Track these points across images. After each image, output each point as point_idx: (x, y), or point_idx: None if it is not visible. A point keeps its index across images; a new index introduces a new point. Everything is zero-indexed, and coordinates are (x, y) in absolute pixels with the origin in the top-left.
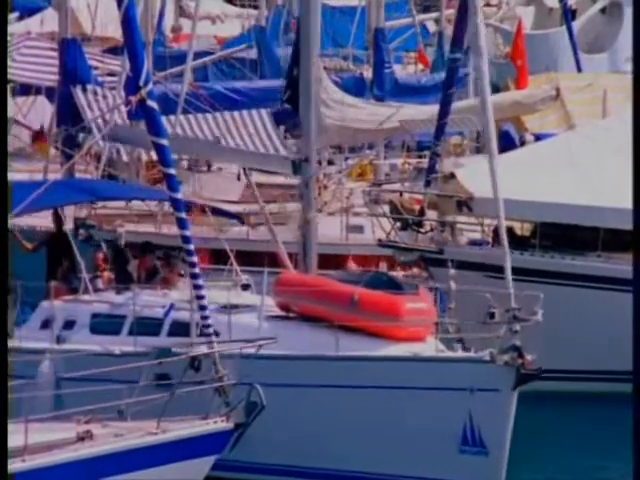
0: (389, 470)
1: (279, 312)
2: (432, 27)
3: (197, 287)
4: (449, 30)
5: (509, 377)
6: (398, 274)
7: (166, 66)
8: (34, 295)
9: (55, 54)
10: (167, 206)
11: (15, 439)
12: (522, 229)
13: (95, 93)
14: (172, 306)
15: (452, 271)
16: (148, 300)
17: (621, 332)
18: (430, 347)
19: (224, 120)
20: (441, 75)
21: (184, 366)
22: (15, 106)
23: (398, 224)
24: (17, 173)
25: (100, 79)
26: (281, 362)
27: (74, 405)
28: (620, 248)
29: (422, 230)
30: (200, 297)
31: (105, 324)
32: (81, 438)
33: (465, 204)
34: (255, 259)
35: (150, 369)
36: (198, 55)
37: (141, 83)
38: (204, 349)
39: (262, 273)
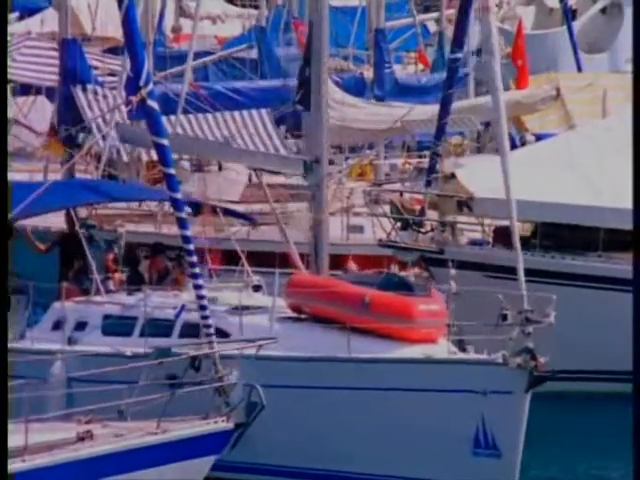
0: (402, 472)
1: (291, 313)
2: (432, 27)
3: (197, 287)
4: (449, 30)
5: (522, 379)
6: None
7: (166, 66)
8: (46, 296)
9: (55, 54)
10: (167, 206)
11: (15, 439)
12: (522, 229)
13: (95, 93)
14: (183, 307)
15: (452, 271)
16: (159, 301)
17: (621, 332)
18: (442, 349)
19: (224, 120)
20: (441, 75)
21: (185, 366)
22: (15, 106)
23: (398, 224)
24: (17, 173)
25: (100, 79)
26: (293, 364)
27: (80, 405)
28: (620, 248)
29: (422, 230)
30: (201, 297)
31: (117, 325)
32: (81, 438)
33: (465, 204)
34: (262, 259)
35: (155, 369)
36: (198, 55)
37: (141, 83)
38: (205, 349)
39: (273, 274)
